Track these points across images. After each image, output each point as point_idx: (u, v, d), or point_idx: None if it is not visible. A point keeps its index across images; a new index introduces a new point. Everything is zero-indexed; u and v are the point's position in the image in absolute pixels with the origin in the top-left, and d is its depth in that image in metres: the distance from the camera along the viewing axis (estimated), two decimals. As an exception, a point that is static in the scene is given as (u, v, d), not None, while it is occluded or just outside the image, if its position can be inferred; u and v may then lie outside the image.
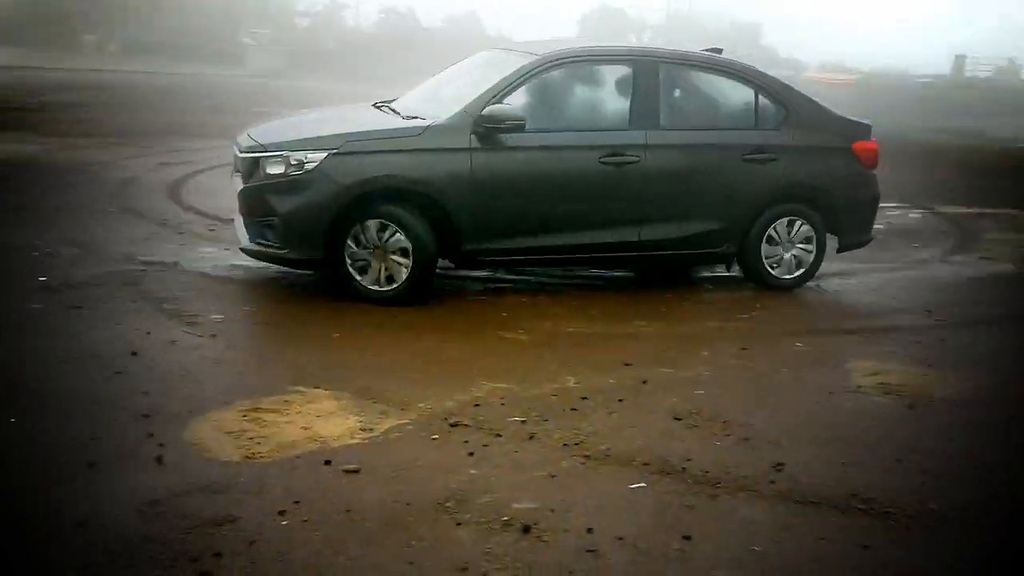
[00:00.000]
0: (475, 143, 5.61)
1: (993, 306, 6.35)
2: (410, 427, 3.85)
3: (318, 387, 4.20)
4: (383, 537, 2.96)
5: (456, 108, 5.72)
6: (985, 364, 5.05)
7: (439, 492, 3.28)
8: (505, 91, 5.73)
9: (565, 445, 3.72)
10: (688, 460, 3.63)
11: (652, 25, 57.26)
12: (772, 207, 6.32)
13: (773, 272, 6.40)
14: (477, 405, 4.09)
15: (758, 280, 6.45)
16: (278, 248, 5.59)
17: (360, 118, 6.34)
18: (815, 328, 5.61)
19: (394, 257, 5.54)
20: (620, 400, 4.23)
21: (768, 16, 69.80)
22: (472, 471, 3.46)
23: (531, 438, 3.77)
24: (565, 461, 3.58)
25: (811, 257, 6.43)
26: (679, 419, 4.05)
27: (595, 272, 6.69)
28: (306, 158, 5.45)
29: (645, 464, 3.58)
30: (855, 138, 6.56)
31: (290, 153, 5.49)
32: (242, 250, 5.83)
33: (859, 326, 5.73)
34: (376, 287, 5.58)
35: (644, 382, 4.49)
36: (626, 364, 4.74)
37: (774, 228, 6.33)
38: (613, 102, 6.20)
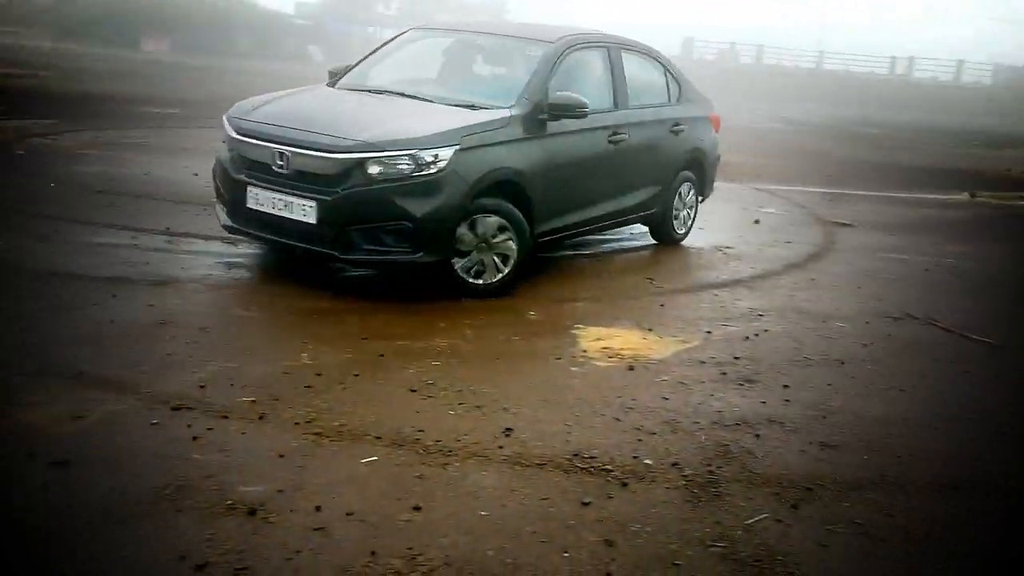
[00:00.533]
0: (542, 130, 5.88)
1: (708, 271, 6.88)
2: (128, 412, 3.62)
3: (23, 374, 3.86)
4: (96, 533, 2.77)
5: (508, 95, 5.87)
6: (698, 326, 5.46)
7: (159, 480, 3.11)
8: (550, 77, 6.03)
9: (296, 424, 3.64)
10: (421, 431, 3.67)
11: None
12: (682, 171, 7.50)
13: (676, 230, 7.67)
14: (203, 386, 3.91)
15: (667, 239, 7.66)
16: (407, 252, 5.26)
17: (407, 108, 5.93)
18: (550, 297, 5.83)
19: (498, 247, 5.58)
20: (356, 375, 4.21)
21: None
22: (195, 456, 3.32)
23: (261, 418, 3.67)
24: (296, 440, 3.51)
25: (693, 214, 7.87)
26: (414, 391, 4.08)
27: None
28: (436, 156, 5.19)
29: (378, 438, 3.58)
30: (710, 110, 7.97)
31: (418, 152, 5.15)
32: (345, 260, 5.43)
33: (589, 295, 6.00)
34: (481, 281, 5.59)
35: (381, 355, 4.48)
36: (363, 339, 4.71)
37: (680, 191, 7.53)
38: (603, 86, 6.70)
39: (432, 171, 5.19)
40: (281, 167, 5.28)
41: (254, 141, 5.47)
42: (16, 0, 35.49)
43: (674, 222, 7.58)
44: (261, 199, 5.36)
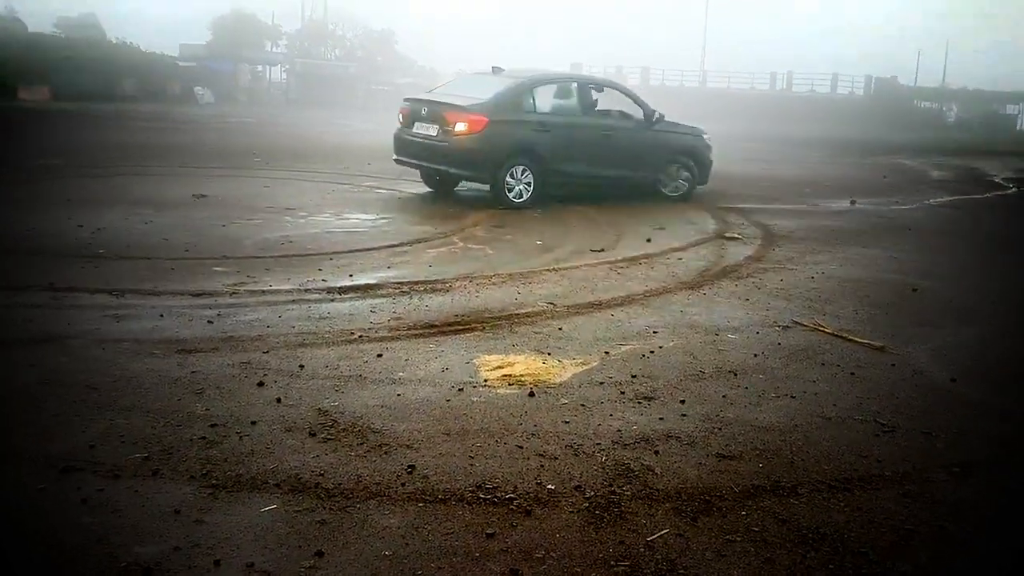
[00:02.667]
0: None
1: (603, 292, 6.99)
2: (11, 479, 3.48)
3: None
4: (-24, 611, 2.65)
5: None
6: (596, 347, 5.54)
7: (46, 549, 2.99)
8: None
9: (192, 477, 3.55)
10: (321, 475, 3.63)
11: (287, 32, 56.60)
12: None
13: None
14: (92, 446, 3.79)
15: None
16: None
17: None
18: (449, 324, 5.83)
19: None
20: (253, 423, 4.13)
21: (400, 22, 71.80)
22: (86, 519, 3.20)
23: (154, 474, 3.57)
24: (191, 495, 3.42)
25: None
26: (313, 434, 4.03)
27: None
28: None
29: (277, 486, 3.52)
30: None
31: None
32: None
33: (487, 324, 6.03)
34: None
35: (278, 400, 4.42)
36: (259, 384, 4.63)
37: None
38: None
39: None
40: None
41: None
42: None
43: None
44: None
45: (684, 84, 51.35)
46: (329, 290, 6.70)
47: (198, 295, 6.38)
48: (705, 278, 7.73)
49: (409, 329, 5.78)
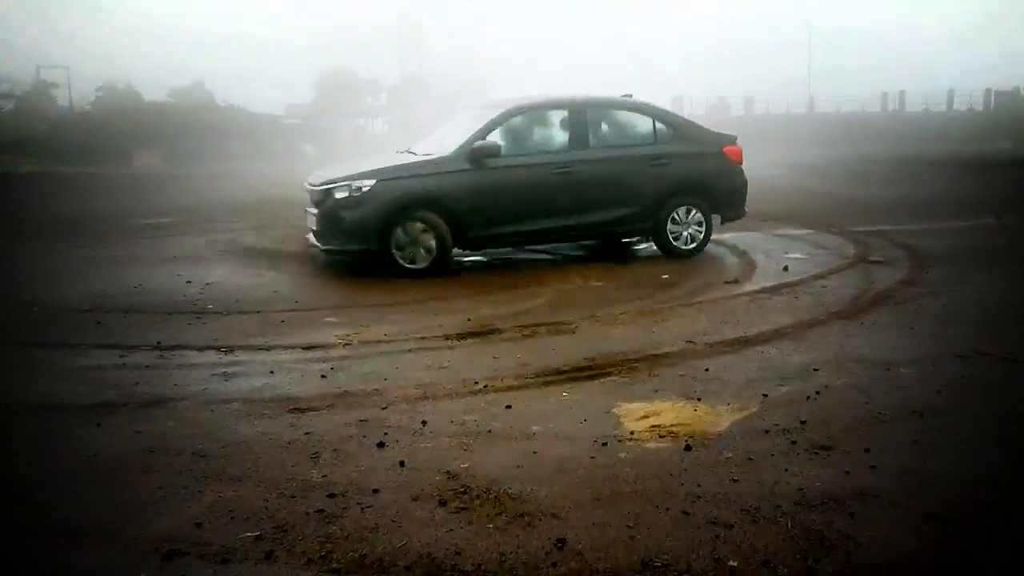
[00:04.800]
0: (478, 166, 8.68)
1: (746, 326, 6.30)
2: (111, 566, 3.05)
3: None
4: None
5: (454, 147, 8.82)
6: (751, 389, 4.87)
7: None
8: (486, 132, 8.88)
9: (311, 560, 3.06)
10: (458, 554, 3.08)
11: (387, 86, 57.76)
12: (673, 198, 9.38)
13: (680, 245, 9.48)
14: (199, 524, 3.33)
15: (672, 252, 9.46)
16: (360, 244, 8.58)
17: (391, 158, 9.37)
18: (580, 369, 5.26)
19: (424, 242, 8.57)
20: (375, 491, 3.62)
21: (493, 73, 72.69)
22: (190, 618, 2.72)
23: (268, 557, 3.08)
24: (310, 582, 2.92)
25: (703, 230, 9.55)
26: (444, 503, 3.50)
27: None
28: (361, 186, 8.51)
29: (408, 568, 2.99)
30: (724, 144, 9.77)
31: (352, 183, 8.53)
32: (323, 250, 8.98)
33: (623, 362, 5.43)
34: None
35: (401, 464, 3.91)
36: (380, 445, 4.14)
37: (676, 213, 9.42)
38: (553, 135, 9.32)
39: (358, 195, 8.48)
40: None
41: None
42: (10, 128, 35.60)
43: (672, 238, 9.43)
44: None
45: (790, 111, 49.96)
46: (447, 336, 6.22)
47: (309, 348, 5.98)
48: (858, 306, 6.95)
49: (537, 376, 5.22)
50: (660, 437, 4.18)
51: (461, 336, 6.21)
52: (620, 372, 5.28)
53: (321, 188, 8.65)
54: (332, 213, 8.48)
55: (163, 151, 34.88)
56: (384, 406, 4.73)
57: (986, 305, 6.94)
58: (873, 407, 4.57)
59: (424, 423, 4.43)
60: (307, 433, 4.33)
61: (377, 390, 5.01)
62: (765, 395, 4.78)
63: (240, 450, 4.12)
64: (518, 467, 3.85)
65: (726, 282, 8.05)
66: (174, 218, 14.56)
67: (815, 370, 5.23)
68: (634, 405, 4.65)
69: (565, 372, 5.29)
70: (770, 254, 9.60)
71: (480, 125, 8.92)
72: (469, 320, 6.68)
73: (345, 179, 8.54)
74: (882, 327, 6.28)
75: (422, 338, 6.21)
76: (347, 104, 52.03)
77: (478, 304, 7.31)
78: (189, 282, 8.42)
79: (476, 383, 5.09)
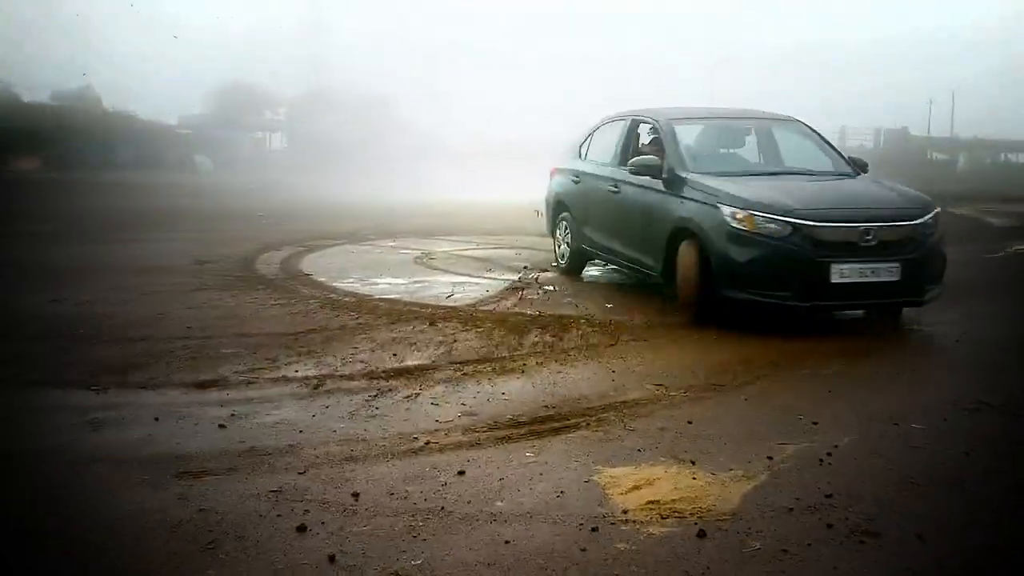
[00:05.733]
0: None
1: (722, 373, 5.50)
2: None
3: None
4: None
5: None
6: (751, 449, 4.04)
7: None
8: None
9: None
10: None
11: (288, 100, 56.03)
12: None
13: None
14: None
15: None
16: None
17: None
18: (540, 421, 4.35)
19: None
20: None
21: (404, 89, 71.61)
22: None
23: None
24: None
25: None
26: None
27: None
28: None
29: None
30: None
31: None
32: None
33: (582, 411, 4.54)
34: None
35: (331, 559, 2.91)
36: (300, 529, 3.13)
37: None
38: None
39: None
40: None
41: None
42: None
43: None
44: None
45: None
46: (371, 375, 5.22)
47: (204, 387, 4.91)
48: (824, 341, 6.24)
49: (490, 429, 4.28)
50: (663, 518, 3.29)
51: (388, 375, 5.22)
52: (589, 425, 4.38)
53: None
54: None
55: (44, 156, 32.60)
56: (302, 470, 3.71)
57: (965, 345, 6.34)
58: (899, 473, 3.80)
59: (356, 496, 3.44)
60: (201, 510, 3.29)
61: (291, 447, 3.99)
62: (770, 457, 3.95)
63: (104, 537, 3.05)
64: (489, 565, 2.91)
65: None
66: (52, 227, 13.07)
67: (813, 424, 4.44)
68: (618, 471, 3.76)
69: (523, 424, 4.37)
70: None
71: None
72: (396, 355, 5.69)
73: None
74: (866, 370, 5.59)
75: (342, 376, 5.20)
76: (244, 116, 50.12)
77: (400, 334, 6.31)
78: (56, 300, 7.18)
79: (415, 439, 4.12)
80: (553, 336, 6.29)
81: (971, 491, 3.62)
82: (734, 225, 6.30)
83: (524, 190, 13.39)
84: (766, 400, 4.87)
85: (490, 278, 9.07)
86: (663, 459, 3.91)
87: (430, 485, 3.57)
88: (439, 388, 4.98)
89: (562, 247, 9.46)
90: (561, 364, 5.54)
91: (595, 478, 3.68)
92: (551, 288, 8.46)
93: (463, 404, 4.68)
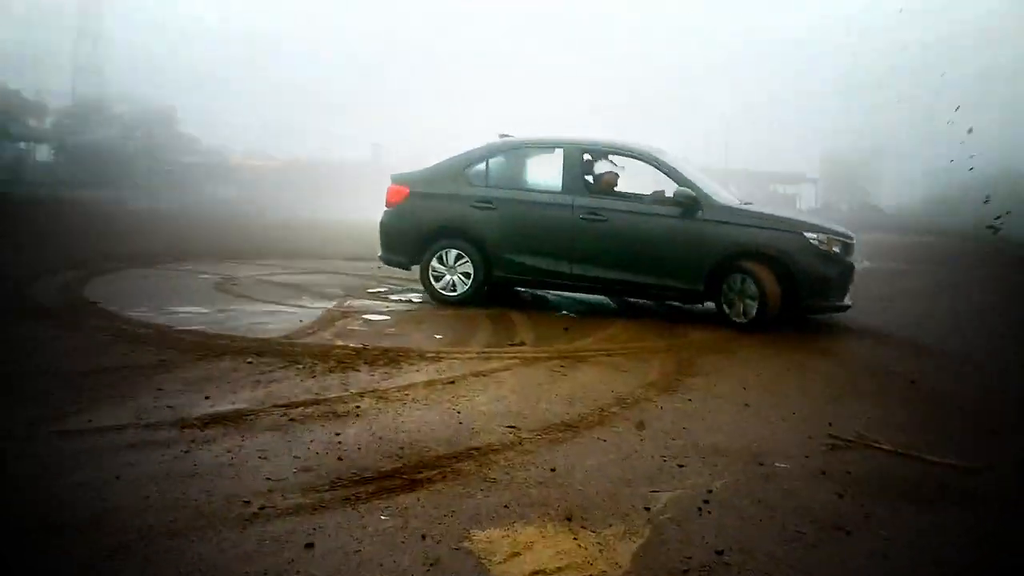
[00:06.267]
0: None
1: (570, 403, 5.18)
2: None
3: None
4: None
5: None
6: (624, 500, 3.72)
7: None
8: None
9: None
10: None
11: (56, 109, 52.03)
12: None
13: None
14: None
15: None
16: None
17: None
18: (388, 476, 3.84)
19: None
20: None
21: (184, 101, 68.18)
22: None
23: None
24: None
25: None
26: None
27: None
28: None
29: None
30: None
31: None
32: None
33: (434, 460, 4.07)
34: None
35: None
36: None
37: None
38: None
39: None
40: None
41: None
42: None
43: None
44: None
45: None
46: (183, 423, 4.51)
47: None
48: (666, 377, 6.09)
49: (333, 488, 3.73)
50: (555, 591, 2.89)
51: (203, 422, 4.53)
52: (445, 477, 3.92)
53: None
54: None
55: None
56: (109, 553, 3.02)
57: (779, 376, 6.37)
58: (783, 522, 3.59)
59: (184, 582, 2.81)
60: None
61: (94, 519, 3.28)
62: (647, 508, 3.65)
63: None
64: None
65: (511, 344, 6.94)
66: None
67: (679, 467, 4.20)
68: (490, 533, 3.32)
69: (370, 480, 3.84)
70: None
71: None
72: (209, 398, 4.99)
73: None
74: (709, 403, 5.43)
75: (147, 425, 4.46)
76: (7, 125, 45.90)
77: (210, 372, 5.59)
78: None
79: (248, 503, 3.51)
80: (384, 372, 5.78)
81: (863, 542, 3.45)
82: (822, 249, 8.11)
83: (320, 211, 12.73)
84: (624, 441, 4.58)
85: (302, 306, 8.40)
86: (535, 516, 3.51)
87: (273, 564, 2.99)
88: (266, 437, 4.35)
89: (450, 277, 8.96)
90: (399, 404, 5.04)
91: (466, 544, 3.23)
92: (373, 318, 7.91)
93: (297, 457, 4.09)
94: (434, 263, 8.92)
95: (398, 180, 9.14)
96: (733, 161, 60.53)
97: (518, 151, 9.18)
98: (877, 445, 4.69)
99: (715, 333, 7.86)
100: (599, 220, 8.48)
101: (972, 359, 7.38)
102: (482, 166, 9.00)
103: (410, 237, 9.02)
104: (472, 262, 8.84)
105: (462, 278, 8.88)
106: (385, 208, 9.16)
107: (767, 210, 8.67)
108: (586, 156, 8.90)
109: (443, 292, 8.92)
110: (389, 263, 9.38)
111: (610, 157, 8.95)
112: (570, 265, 8.60)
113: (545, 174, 8.97)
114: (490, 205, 8.82)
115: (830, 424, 5.04)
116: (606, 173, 8.88)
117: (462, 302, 8.82)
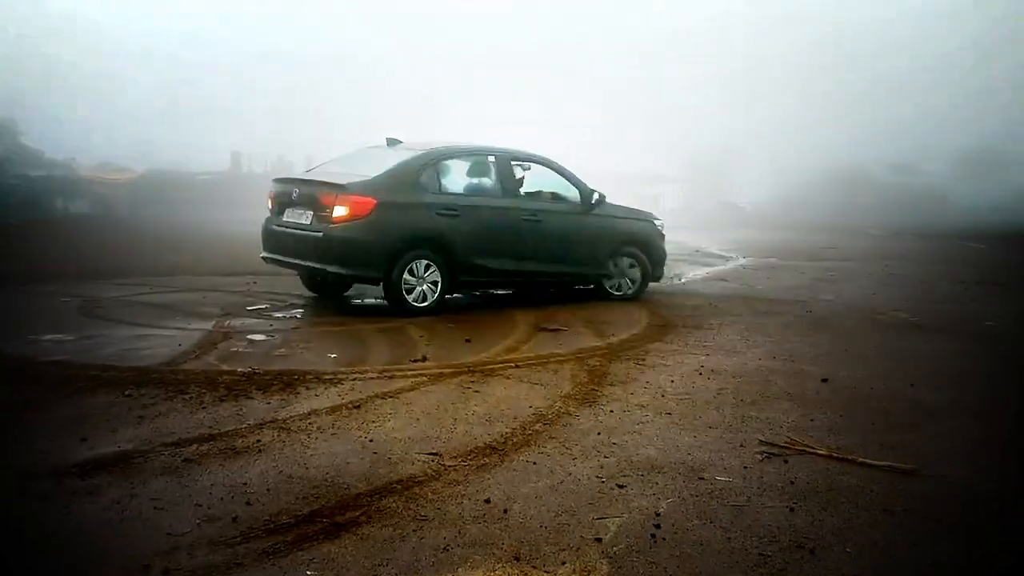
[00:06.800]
0: None
1: (489, 423, 4.84)
2: None
3: None
4: None
5: None
6: (568, 529, 3.41)
7: None
8: None
9: None
10: None
11: None
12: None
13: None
14: None
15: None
16: None
17: None
18: (307, 522, 3.41)
19: None
20: None
21: (26, 113, 64.16)
22: None
23: None
24: None
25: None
26: None
27: None
28: None
29: None
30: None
31: None
32: None
33: (354, 499, 3.66)
34: None
35: None
36: None
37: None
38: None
39: None
40: None
41: None
42: None
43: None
44: None
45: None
46: (58, 470, 3.94)
47: None
48: (581, 388, 5.83)
49: (246, 540, 3.28)
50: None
51: (83, 469, 3.98)
52: (371, 519, 3.52)
53: None
54: None
55: None
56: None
57: (710, 379, 6.22)
58: (739, 544, 3.38)
59: None
60: None
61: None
62: (598, 539, 3.36)
63: None
64: None
65: (413, 360, 6.54)
66: None
67: (619, 487, 3.94)
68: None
69: (287, 528, 3.41)
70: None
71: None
72: (86, 440, 4.41)
73: None
74: (632, 413, 5.21)
75: (17, 474, 3.88)
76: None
77: (84, 409, 4.99)
78: None
79: (148, 567, 3.02)
80: (281, 399, 5.30)
81: (828, 561, 3.26)
82: (662, 232, 10.66)
83: (182, 224, 11.97)
84: (555, 463, 4.28)
85: (179, 328, 7.75)
86: (479, 558, 3.17)
87: (190, 644, 2.54)
88: (159, 483, 3.84)
89: (420, 288, 8.61)
90: (304, 436, 4.59)
91: (416, 591, 2.86)
92: (258, 338, 7.36)
93: (198, 505, 3.61)
94: (406, 275, 8.54)
95: (358, 190, 8.46)
96: (602, 163, 61.42)
97: (458, 158, 9.35)
98: (811, 450, 4.56)
99: (605, 325, 7.68)
100: (535, 221, 9.34)
101: (874, 351, 7.44)
102: (431, 173, 8.89)
103: (383, 248, 8.46)
104: (440, 270, 8.70)
105: (431, 287, 8.67)
106: (346, 221, 8.44)
107: (632, 205, 10.66)
108: (513, 162, 9.51)
109: (415, 304, 8.59)
110: (356, 280, 9.11)
111: (524, 163, 9.70)
112: (522, 263, 9.30)
113: (484, 180, 9.42)
114: (455, 212, 8.80)
115: (759, 431, 4.88)
116: (520, 178, 9.63)
117: (430, 311, 8.58)
